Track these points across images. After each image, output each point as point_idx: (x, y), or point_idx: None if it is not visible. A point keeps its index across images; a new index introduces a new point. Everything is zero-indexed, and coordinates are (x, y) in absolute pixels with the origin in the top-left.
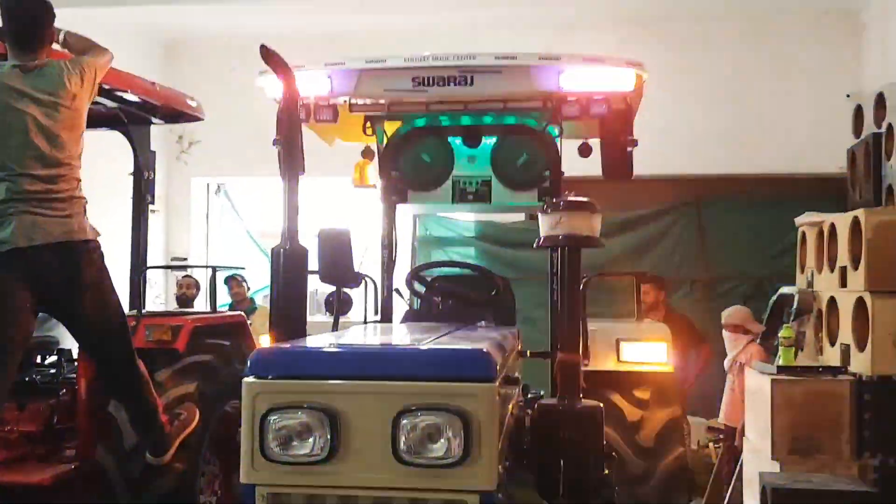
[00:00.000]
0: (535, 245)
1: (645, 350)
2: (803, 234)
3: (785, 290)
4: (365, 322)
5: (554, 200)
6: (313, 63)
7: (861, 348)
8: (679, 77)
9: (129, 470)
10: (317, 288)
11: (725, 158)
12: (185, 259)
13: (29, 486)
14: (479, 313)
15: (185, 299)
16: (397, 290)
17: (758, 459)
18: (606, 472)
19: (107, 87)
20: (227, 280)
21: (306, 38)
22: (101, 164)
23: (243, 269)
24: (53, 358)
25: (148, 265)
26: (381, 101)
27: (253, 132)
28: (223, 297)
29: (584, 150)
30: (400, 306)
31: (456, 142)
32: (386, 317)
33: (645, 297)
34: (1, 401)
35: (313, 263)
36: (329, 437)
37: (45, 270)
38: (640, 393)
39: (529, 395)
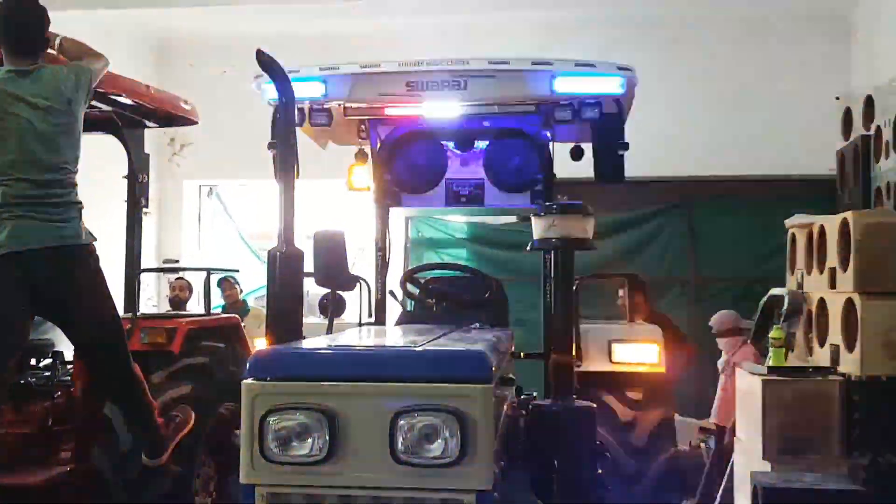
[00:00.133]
0: (528, 247)
1: (637, 351)
2: (793, 235)
3: (775, 291)
4: (360, 324)
5: (547, 203)
6: (307, 67)
7: (850, 349)
8: (669, 80)
9: (125, 472)
10: (308, 290)
11: (715, 160)
12: (177, 261)
13: (25, 488)
14: (473, 315)
15: (178, 302)
16: (392, 293)
17: (749, 459)
18: (600, 471)
19: (101, 90)
20: (220, 282)
21: (298, 41)
22: (94, 167)
23: (237, 271)
24: (48, 361)
25: (142, 268)
26: (376, 106)
27: (245, 135)
28: (216, 300)
29: (576, 153)
30: (393, 308)
31: (449, 145)
32: (380, 319)
33: (624, 300)
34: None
35: (308, 266)
36: (327, 437)
37: (42, 274)
38: (633, 393)
39: (523, 396)
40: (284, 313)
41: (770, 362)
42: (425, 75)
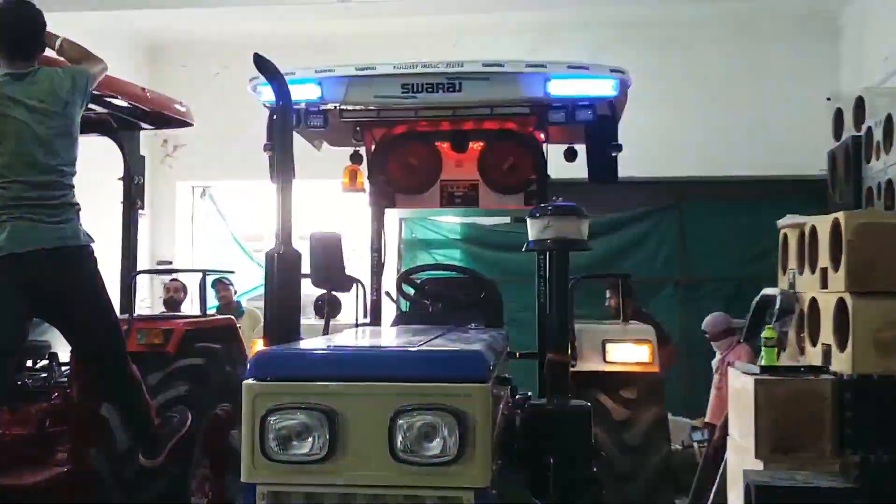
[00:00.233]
0: (524, 248)
1: (631, 351)
2: (785, 235)
3: (767, 291)
4: (356, 325)
5: (543, 205)
6: (303, 70)
7: (842, 348)
8: (660, 81)
9: (122, 472)
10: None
11: (707, 161)
12: (171, 262)
13: (22, 489)
14: (468, 315)
15: (172, 303)
16: (388, 294)
17: (741, 458)
18: (595, 470)
19: (97, 93)
20: (214, 284)
21: (290, 42)
22: (87, 168)
23: (233, 272)
24: (44, 362)
25: (137, 269)
26: (371, 108)
27: (237, 136)
28: (210, 301)
29: (570, 155)
30: (387, 309)
31: (443, 146)
32: (375, 319)
33: (611, 301)
34: None
35: (304, 267)
36: (328, 436)
37: (40, 276)
38: (627, 393)
39: (517, 396)
40: (283, 314)
41: (762, 362)
42: (420, 77)
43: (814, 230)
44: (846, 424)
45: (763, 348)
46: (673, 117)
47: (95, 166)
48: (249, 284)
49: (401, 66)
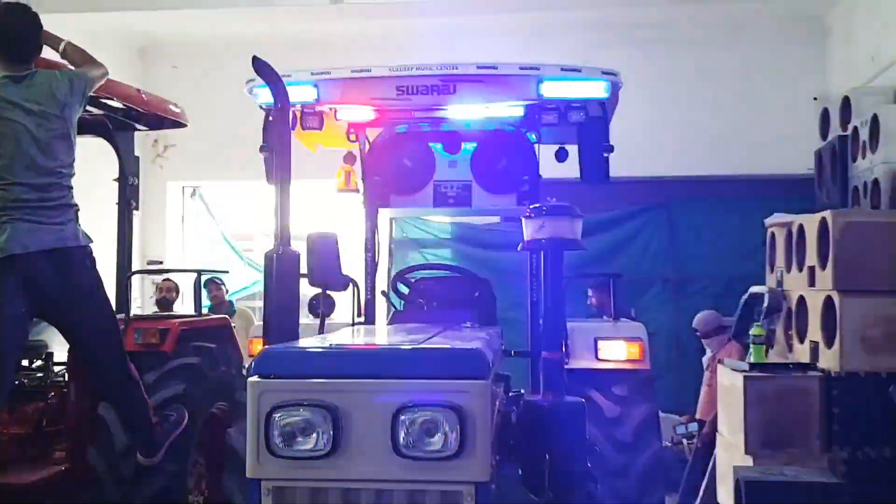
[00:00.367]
0: (519, 248)
1: (622, 348)
2: (772, 234)
3: (755, 289)
4: (353, 324)
5: (537, 205)
6: (298, 72)
7: (829, 345)
8: (649, 81)
9: (120, 470)
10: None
11: (695, 160)
12: (161, 262)
13: (20, 488)
14: (463, 314)
15: (165, 302)
16: (384, 293)
17: (731, 454)
18: (589, 466)
19: (93, 94)
20: (207, 283)
21: (282, 44)
22: (80, 169)
23: (227, 272)
24: (40, 362)
25: (134, 269)
26: (367, 109)
27: (228, 136)
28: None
29: (561, 155)
30: (379, 308)
31: (437, 147)
32: (370, 318)
33: (593, 300)
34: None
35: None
36: (331, 432)
37: (40, 277)
38: (618, 390)
39: (511, 393)
40: (282, 314)
41: (751, 359)
42: (415, 80)
43: (801, 229)
44: (834, 421)
45: (751, 345)
46: (662, 117)
47: (89, 167)
48: (240, 284)
49: (396, 68)
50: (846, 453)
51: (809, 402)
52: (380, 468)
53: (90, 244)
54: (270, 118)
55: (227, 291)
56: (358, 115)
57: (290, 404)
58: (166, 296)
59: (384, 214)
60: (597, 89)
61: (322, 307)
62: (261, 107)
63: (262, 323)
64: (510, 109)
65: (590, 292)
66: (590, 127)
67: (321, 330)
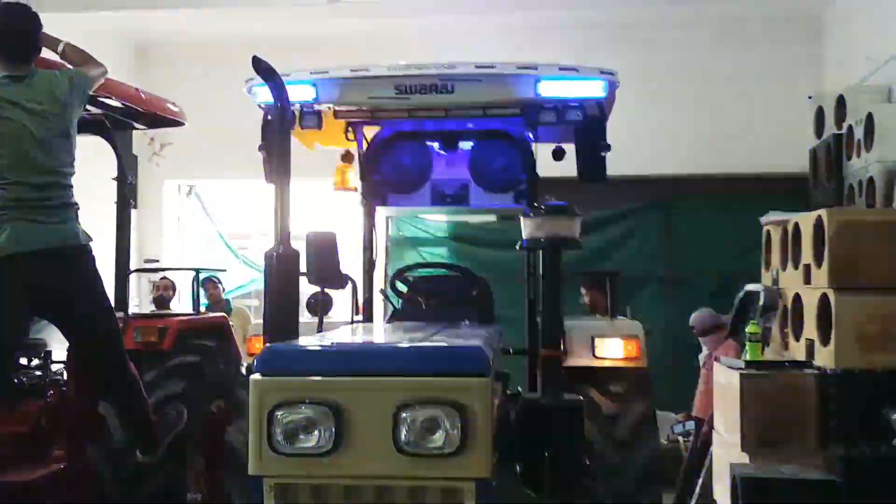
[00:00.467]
0: (518, 247)
1: (619, 346)
2: (768, 232)
3: (750, 287)
4: (352, 322)
5: (536, 204)
6: (297, 71)
7: (825, 343)
8: (644, 80)
9: (119, 469)
10: None
11: (691, 159)
12: (157, 261)
13: (19, 486)
14: (461, 312)
15: (162, 301)
16: (383, 292)
17: (727, 452)
18: (588, 462)
19: (92, 93)
20: (204, 282)
21: (278, 43)
22: (78, 168)
23: (224, 270)
24: (39, 360)
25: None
26: (365, 109)
27: (224, 135)
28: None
29: (558, 154)
30: (376, 306)
31: (434, 146)
32: (368, 317)
33: (585, 298)
34: None
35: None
36: (333, 430)
37: (40, 276)
38: (616, 387)
39: (509, 391)
40: (282, 312)
41: (747, 356)
42: (414, 79)
43: (797, 227)
44: (830, 418)
45: (747, 343)
46: (657, 116)
47: (86, 166)
48: (236, 283)
49: (394, 67)
50: (842, 450)
51: (805, 399)
52: (381, 465)
53: (90, 243)
54: (269, 117)
55: (223, 290)
56: (356, 114)
57: (293, 402)
58: (163, 294)
59: (381, 213)
60: (594, 89)
61: (320, 306)
62: (259, 106)
63: (260, 321)
64: (508, 109)
65: (583, 290)
66: (587, 126)
67: (319, 328)
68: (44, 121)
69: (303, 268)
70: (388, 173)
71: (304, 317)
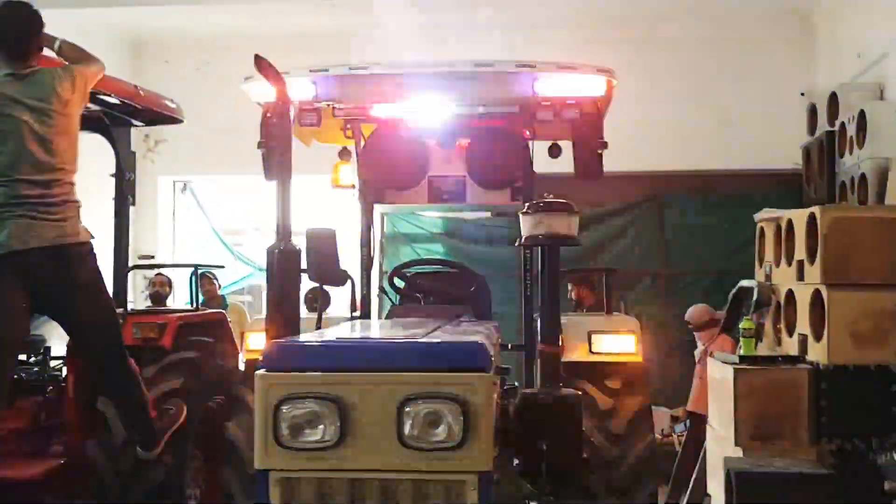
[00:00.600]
0: (516, 243)
1: (615, 342)
2: (761, 229)
3: (744, 283)
4: (351, 318)
5: (535, 202)
6: (296, 69)
7: (818, 339)
8: (636, 77)
9: (118, 464)
10: None
11: (684, 156)
12: (153, 257)
13: (19, 482)
14: (459, 308)
15: (158, 297)
16: (382, 289)
17: (721, 446)
18: (585, 456)
19: (91, 90)
20: (199, 278)
21: (274, 39)
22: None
23: (223, 267)
24: (37, 357)
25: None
26: (363, 106)
27: (219, 131)
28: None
29: (555, 151)
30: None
31: (431, 143)
32: (366, 313)
33: (572, 293)
34: (1, 399)
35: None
36: (338, 424)
37: (41, 272)
38: (612, 382)
39: (506, 386)
40: (283, 308)
41: (741, 352)
42: (413, 77)
43: (790, 223)
44: (822, 413)
45: (741, 339)
46: (651, 113)
47: (83, 163)
48: (230, 279)
49: (393, 65)
50: (835, 445)
51: (798, 394)
52: (385, 458)
53: (92, 240)
54: (269, 115)
55: (219, 286)
56: (355, 111)
57: (298, 397)
58: (159, 290)
59: (376, 209)
60: (592, 87)
61: (320, 302)
62: (258, 104)
63: (259, 317)
64: (505, 106)
65: (570, 286)
66: (584, 124)
67: (318, 325)
68: (46, 118)
69: (303, 264)
70: (385, 170)
71: (302, 313)
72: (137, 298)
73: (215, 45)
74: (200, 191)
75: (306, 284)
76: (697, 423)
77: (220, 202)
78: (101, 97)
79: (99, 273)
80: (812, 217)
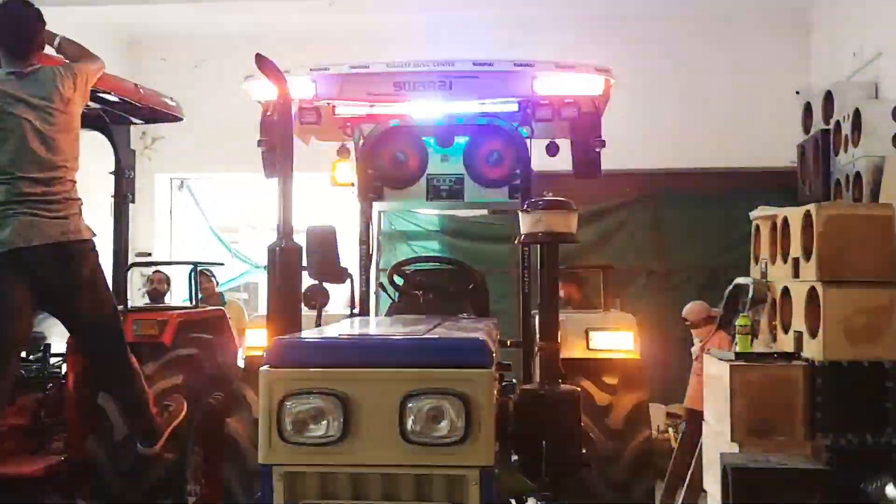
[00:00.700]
0: (515, 241)
1: (613, 338)
2: (757, 226)
3: (740, 280)
4: (351, 315)
5: (534, 200)
6: (297, 68)
7: (813, 335)
8: (634, 76)
9: (120, 461)
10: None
11: (680, 154)
12: (150, 254)
13: (20, 479)
14: (457, 305)
15: (156, 294)
16: (381, 286)
17: (717, 441)
18: (584, 451)
19: (91, 88)
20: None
21: (271, 37)
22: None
23: (222, 264)
24: (38, 354)
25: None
26: (364, 105)
27: (216, 129)
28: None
29: (552, 150)
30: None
31: (430, 141)
32: (364, 310)
33: (561, 291)
34: (3, 396)
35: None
36: (341, 419)
37: (43, 270)
38: (609, 379)
39: (504, 382)
40: (284, 305)
41: (737, 348)
42: (412, 76)
43: (786, 221)
44: (817, 409)
45: (737, 335)
46: (647, 111)
47: (81, 161)
48: (227, 276)
49: (393, 64)
50: (829, 441)
51: (794, 390)
52: (388, 453)
53: (93, 237)
54: (269, 113)
55: (217, 283)
56: (355, 110)
57: (302, 392)
58: (157, 287)
59: (374, 207)
60: (590, 86)
61: (319, 299)
62: (258, 102)
63: (257, 314)
64: (504, 105)
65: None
66: (582, 122)
67: (318, 321)
68: (48, 116)
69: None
70: (384, 169)
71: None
72: (134, 295)
73: (211, 44)
74: (197, 188)
75: (305, 282)
76: (694, 419)
77: (217, 200)
78: (101, 95)
79: (101, 270)
80: (807, 215)
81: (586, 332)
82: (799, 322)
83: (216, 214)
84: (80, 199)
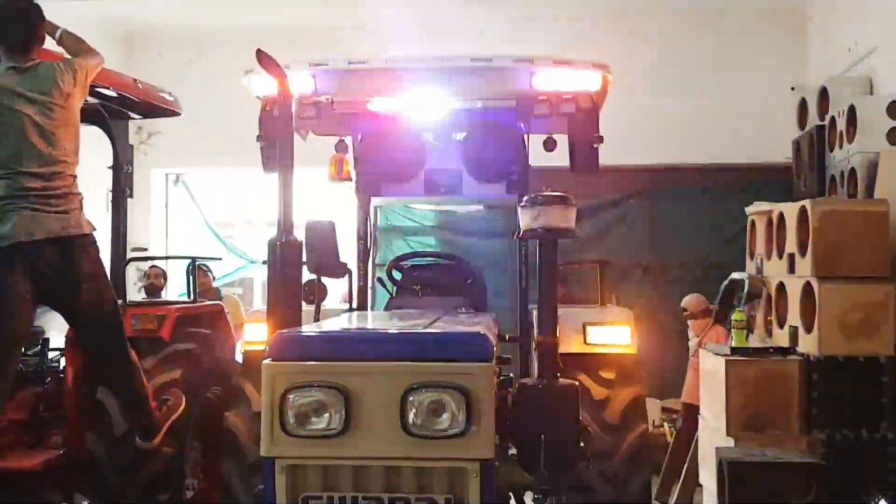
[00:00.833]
0: (514, 236)
1: (610, 333)
2: (753, 222)
3: (735, 275)
4: (350, 310)
5: (533, 195)
6: (296, 63)
7: (808, 330)
8: (630, 72)
9: (118, 455)
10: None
11: (675, 149)
12: (146, 249)
13: (18, 473)
14: (455, 300)
15: (152, 289)
16: (380, 280)
17: (713, 436)
18: (582, 445)
19: (90, 83)
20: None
21: (267, 33)
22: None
23: (220, 259)
24: (37, 348)
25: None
26: (363, 100)
27: (212, 124)
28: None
29: (549, 145)
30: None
31: (428, 136)
32: (363, 305)
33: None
34: (5, 389)
35: None
36: (343, 413)
37: (44, 264)
38: (606, 373)
39: (502, 377)
40: (285, 300)
41: (733, 343)
42: (412, 72)
43: (781, 217)
44: (813, 404)
45: (733, 330)
46: (642, 107)
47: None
48: (223, 271)
49: (392, 60)
50: (825, 435)
51: (789, 385)
52: (389, 446)
53: (94, 232)
54: (268, 108)
55: (213, 278)
56: (354, 105)
57: (304, 386)
58: (154, 282)
59: (371, 202)
60: (588, 81)
61: (317, 293)
62: (258, 97)
63: (253, 309)
64: (503, 100)
65: None
66: (580, 118)
67: (316, 316)
68: (48, 111)
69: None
70: (382, 164)
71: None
72: (131, 290)
73: (208, 39)
74: (193, 183)
75: (303, 276)
76: (691, 414)
77: (211, 194)
78: (100, 90)
79: (101, 264)
80: (803, 211)
81: (583, 327)
82: (794, 317)
83: (212, 209)
84: (80, 193)
